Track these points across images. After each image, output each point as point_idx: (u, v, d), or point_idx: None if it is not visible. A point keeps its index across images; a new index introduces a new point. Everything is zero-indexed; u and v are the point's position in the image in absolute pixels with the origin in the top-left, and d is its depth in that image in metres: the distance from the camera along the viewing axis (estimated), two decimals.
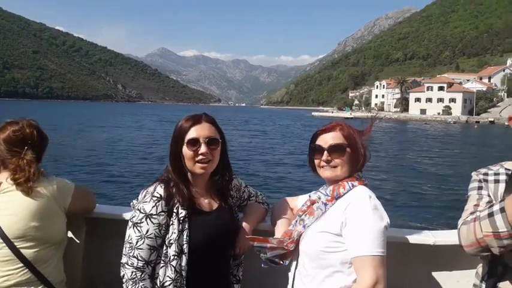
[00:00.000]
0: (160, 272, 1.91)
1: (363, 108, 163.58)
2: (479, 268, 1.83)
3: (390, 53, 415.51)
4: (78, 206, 2.28)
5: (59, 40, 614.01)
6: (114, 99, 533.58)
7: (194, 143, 1.97)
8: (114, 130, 51.17)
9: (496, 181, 1.70)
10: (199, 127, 2.00)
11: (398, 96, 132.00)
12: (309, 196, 2.09)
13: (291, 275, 2.00)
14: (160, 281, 1.91)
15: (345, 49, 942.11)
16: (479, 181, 1.77)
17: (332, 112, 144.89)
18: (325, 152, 1.94)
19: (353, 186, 1.91)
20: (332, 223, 1.84)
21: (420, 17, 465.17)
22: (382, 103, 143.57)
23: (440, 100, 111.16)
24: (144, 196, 1.96)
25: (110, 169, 21.16)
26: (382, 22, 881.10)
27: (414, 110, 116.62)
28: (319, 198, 1.96)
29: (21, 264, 2.00)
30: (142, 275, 1.89)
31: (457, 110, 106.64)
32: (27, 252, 2.01)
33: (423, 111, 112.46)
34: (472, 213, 1.65)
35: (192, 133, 1.98)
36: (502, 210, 1.47)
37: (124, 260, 1.91)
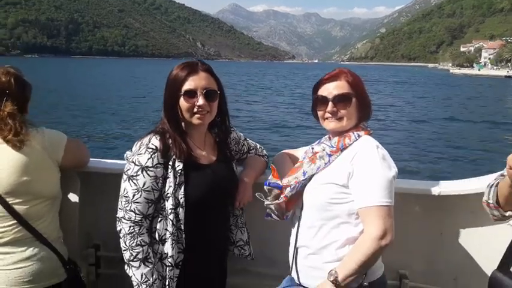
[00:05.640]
0: (158, 225, 1.86)
1: (490, 65, 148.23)
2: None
3: (493, 2, 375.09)
4: (72, 159, 2.16)
5: None
6: (194, 56, 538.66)
7: (191, 94, 1.85)
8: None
9: None
10: (196, 77, 1.87)
11: None
12: (311, 148, 1.99)
13: (294, 227, 1.93)
14: (159, 235, 1.86)
15: None
16: None
17: (478, 70, 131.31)
18: (330, 103, 1.83)
19: (359, 136, 1.83)
20: (338, 174, 1.78)
21: None
22: None
23: None
24: (139, 148, 1.86)
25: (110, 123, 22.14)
26: None
27: None
28: (324, 149, 1.87)
29: (15, 221, 1.93)
30: (141, 229, 1.82)
31: None
32: (20, 208, 1.93)
33: None
34: (495, 179, 1.69)
35: (188, 84, 1.86)
36: (497, 185, 1.59)
37: (120, 214, 1.84)
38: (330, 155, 1.83)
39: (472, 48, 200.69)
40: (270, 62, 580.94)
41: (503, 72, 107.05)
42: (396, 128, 23.82)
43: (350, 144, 1.81)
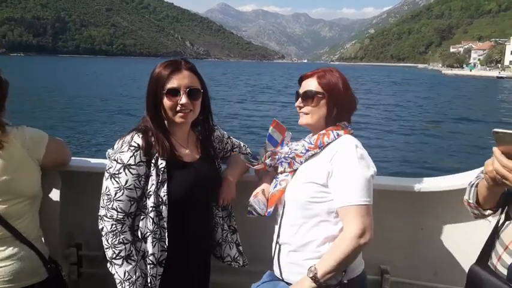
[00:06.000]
0: (141, 223, 1.85)
1: (480, 66, 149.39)
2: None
3: (481, 3, 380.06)
4: (53, 158, 2.11)
5: None
6: (183, 55, 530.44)
7: (174, 93, 1.85)
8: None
9: None
10: (179, 76, 1.86)
11: None
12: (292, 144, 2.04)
13: (277, 224, 1.97)
14: (141, 233, 1.85)
15: (415, 0, 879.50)
16: None
17: (470, 70, 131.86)
18: (299, 99, 1.93)
19: (338, 135, 1.86)
20: (318, 173, 1.81)
21: None
22: None
23: None
24: (121, 146, 1.84)
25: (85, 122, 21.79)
26: None
27: None
28: (303, 146, 1.92)
29: None
30: (123, 227, 1.81)
31: None
32: (0, 208, 1.89)
33: None
34: (477, 176, 1.71)
35: (172, 82, 1.85)
36: (477, 185, 1.63)
37: (102, 212, 1.82)
38: (307, 150, 1.89)
39: (461, 49, 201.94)
40: (259, 61, 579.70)
41: (494, 73, 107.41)
42: (402, 128, 23.43)
43: (329, 143, 1.85)
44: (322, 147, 1.85)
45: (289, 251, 1.89)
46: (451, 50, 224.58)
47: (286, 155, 1.94)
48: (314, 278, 1.71)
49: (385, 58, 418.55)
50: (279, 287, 1.89)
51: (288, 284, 1.89)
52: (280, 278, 1.93)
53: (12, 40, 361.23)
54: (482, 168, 1.63)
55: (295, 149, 1.92)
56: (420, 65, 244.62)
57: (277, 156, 1.98)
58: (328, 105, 1.88)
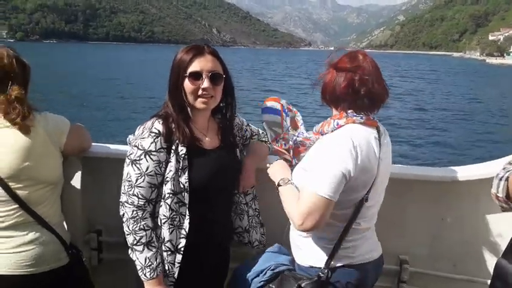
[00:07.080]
0: (161, 210, 1.85)
1: None
2: None
3: None
4: (74, 145, 2.16)
5: None
6: (210, 43, 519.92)
7: (197, 76, 1.84)
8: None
9: None
10: (202, 59, 1.85)
11: None
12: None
13: None
14: (161, 220, 1.86)
15: None
16: None
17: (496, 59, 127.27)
18: None
19: (338, 125, 1.79)
20: (306, 160, 1.87)
21: None
22: None
23: None
24: (142, 132, 1.85)
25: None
26: None
27: None
28: (314, 128, 1.93)
29: (17, 205, 1.92)
30: (144, 214, 1.81)
31: None
32: (22, 193, 1.92)
33: None
34: (504, 168, 1.70)
35: (194, 66, 1.84)
36: (507, 178, 1.59)
37: (123, 198, 1.83)
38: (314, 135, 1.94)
39: (501, 37, 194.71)
40: (285, 49, 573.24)
41: None
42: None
43: (327, 132, 1.83)
44: (323, 134, 1.86)
45: (292, 228, 1.98)
46: (490, 37, 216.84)
47: (296, 137, 1.98)
48: (278, 183, 1.92)
49: (417, 46, 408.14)
50: (280, 258, 1.90)
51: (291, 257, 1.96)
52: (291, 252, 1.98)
53: (45, 27, 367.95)
54: (508, 159, 1.66)
55: (302, 132, 1.99)
56: (456, 54, 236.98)
57: (288, 137, 2.03)
58: (323, 87, 1.87)
